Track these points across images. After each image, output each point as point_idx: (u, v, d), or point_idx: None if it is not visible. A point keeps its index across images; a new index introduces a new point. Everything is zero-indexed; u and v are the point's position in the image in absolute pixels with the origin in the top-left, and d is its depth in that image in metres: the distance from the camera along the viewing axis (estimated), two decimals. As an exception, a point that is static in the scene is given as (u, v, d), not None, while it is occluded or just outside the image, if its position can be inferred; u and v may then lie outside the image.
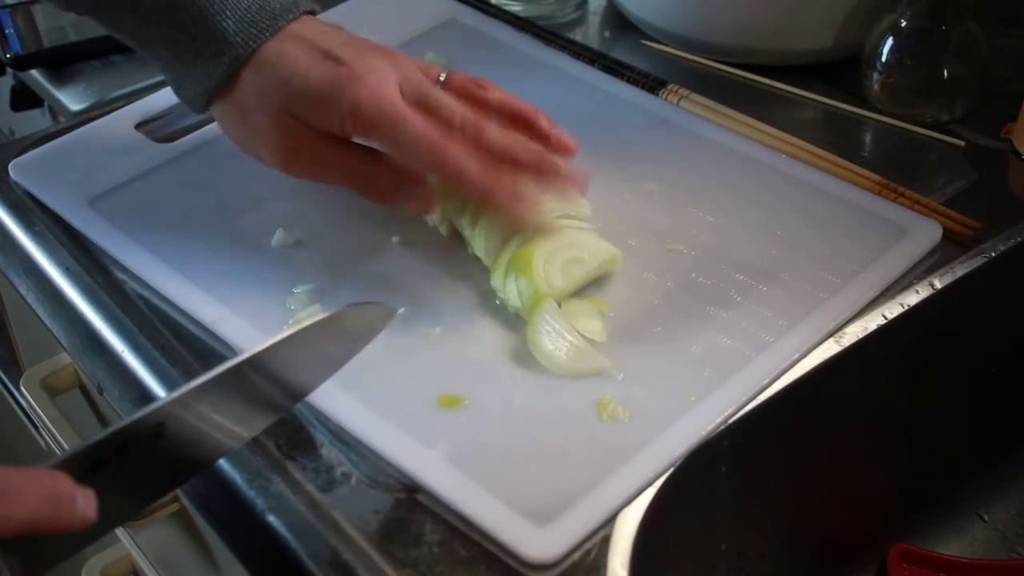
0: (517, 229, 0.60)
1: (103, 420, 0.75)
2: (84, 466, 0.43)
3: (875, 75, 0.73)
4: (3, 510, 0.39)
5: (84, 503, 0.42)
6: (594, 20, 0.88)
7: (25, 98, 0.91)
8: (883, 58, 0.73)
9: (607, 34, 0.86)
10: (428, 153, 0.57)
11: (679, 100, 0.75)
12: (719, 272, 0.62)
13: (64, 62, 0.87)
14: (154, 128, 0.75)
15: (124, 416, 0.55)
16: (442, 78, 0.63)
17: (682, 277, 0.61)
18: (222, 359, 0.58)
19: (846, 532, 0.69)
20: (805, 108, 0.76)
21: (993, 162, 0.71)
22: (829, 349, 0.58)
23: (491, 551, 0.49)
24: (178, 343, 0.59)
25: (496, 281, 0.60)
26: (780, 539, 0.64)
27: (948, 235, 0.64)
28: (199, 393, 0.46)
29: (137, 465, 0.45)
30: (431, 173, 0.61)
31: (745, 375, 0.56)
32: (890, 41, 0.72)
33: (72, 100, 0.85)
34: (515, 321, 0.59)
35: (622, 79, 0.77)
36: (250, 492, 0.52)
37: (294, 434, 0.54)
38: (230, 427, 0.48)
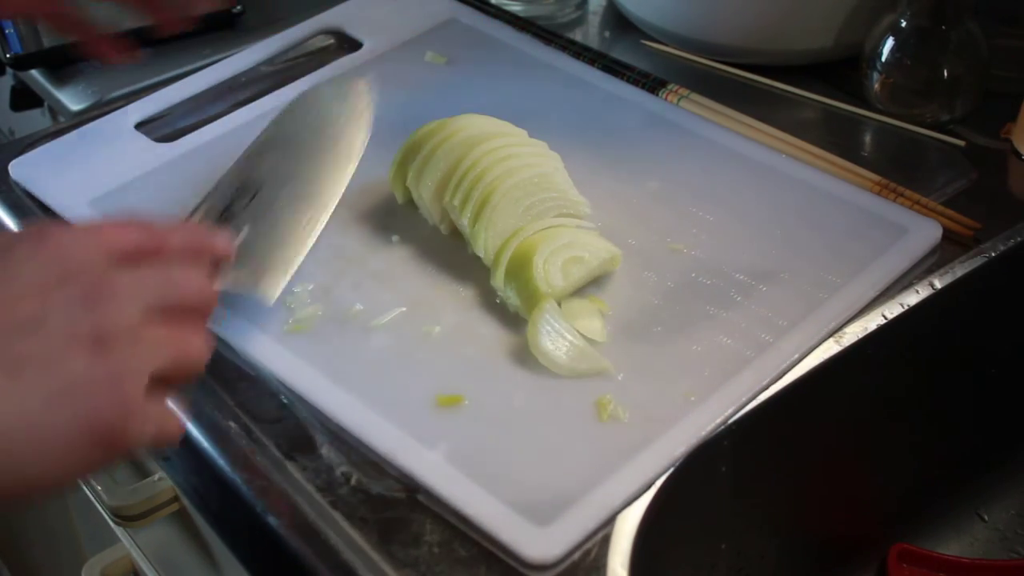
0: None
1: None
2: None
3: (875, 75, 0.73)
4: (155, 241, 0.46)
5: (222, 237, 0.51)
6: (594, 20, 0.88)
7: (25, 98, 0.91)
8: (883, 58, 0.73)
9: (607, 34, 0.86)
10: None
11: (679, 100, 0.75)
12: (719, 272, 0.62)
13: (64, 62, 0.87)
14: (154, 128, 0.75)
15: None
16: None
17: (682, 277, 0.61)
18: (222, 358, 0.58)
19: (846, 532, 0.69)
20: (805, 108, 0.76)
21: (993, 162, 0.71)
22: (829, 349, 0.58)
23: (491, 551, 0.49)
24: (178, 343, 0.59)
25: (496, 280, 0.60)
26: (780, 539, 0.64)
27: (948, 235, 0.64)
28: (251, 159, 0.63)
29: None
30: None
31: (745, 375, 0.56)
32: (890, 41, 0.72)
33: (72, 100, 0.84)
34: (515, 320, 0.59)
35: (622, 79, 0.77)
36: (250, 492, 0.52)
37: (294, 434, 0.54)
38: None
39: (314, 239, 0.60)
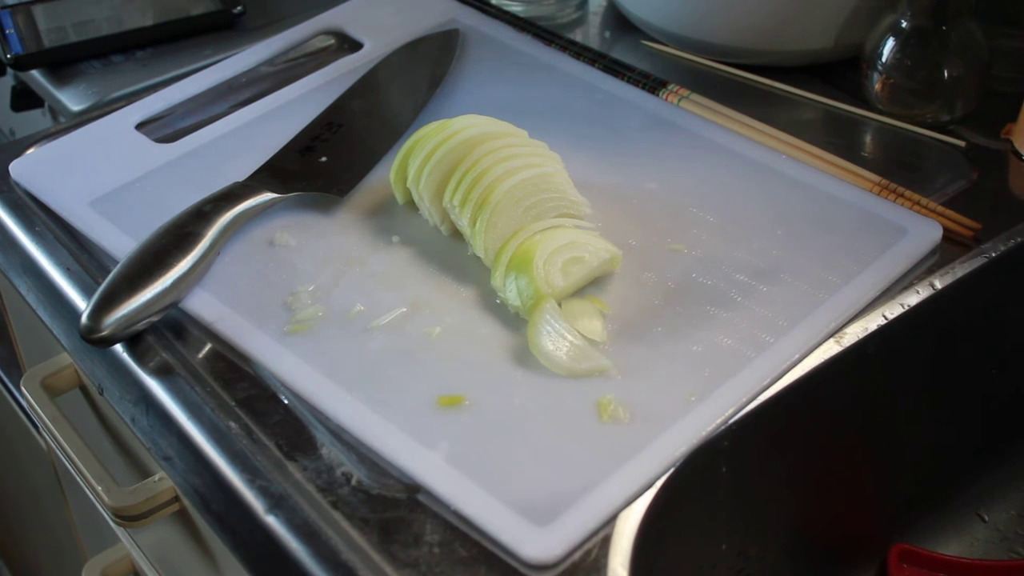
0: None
1: (104, 420, 0.75)
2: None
3: (875, 75, 0.73)
4: None
5: None
6: (594, 20, 0.88)
7: (25, 98, 0.91)
8: (883, 58, 0.73)
9: (607, 34, 0.86)
10: None
11: (679, 100, 0.75)
12: (719, 272, 0.62)
13: (64, 62, 0.87)
14: (155, 128, 0.75)
15: (124, 416, 0.56)
16: None
17: (682, 277, 0.61)
18: (224, 359, 0.58)
19: (846, 532, 0.69)
20: (805, 108, 0.76)
21: (993, 162, 0.71)
22: (829, 349, 0.58)
23: (491, 551, 0.49)
24: (179, 343, 0.59)
25: (496, 281, 0.60)
26: (780, 539, 0.64)
27: (948, 235, 0.64)
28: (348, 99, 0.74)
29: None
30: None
31: (745, 375, 0.56)
32: (890, 41, 0.72)
33: (72, 100, 0.85)
34: (515, 321, 0.59)
35: (622, 79, 0.77)
36: (251, 492, 0.52)
37: (295, 434, 0.54)
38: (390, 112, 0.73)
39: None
